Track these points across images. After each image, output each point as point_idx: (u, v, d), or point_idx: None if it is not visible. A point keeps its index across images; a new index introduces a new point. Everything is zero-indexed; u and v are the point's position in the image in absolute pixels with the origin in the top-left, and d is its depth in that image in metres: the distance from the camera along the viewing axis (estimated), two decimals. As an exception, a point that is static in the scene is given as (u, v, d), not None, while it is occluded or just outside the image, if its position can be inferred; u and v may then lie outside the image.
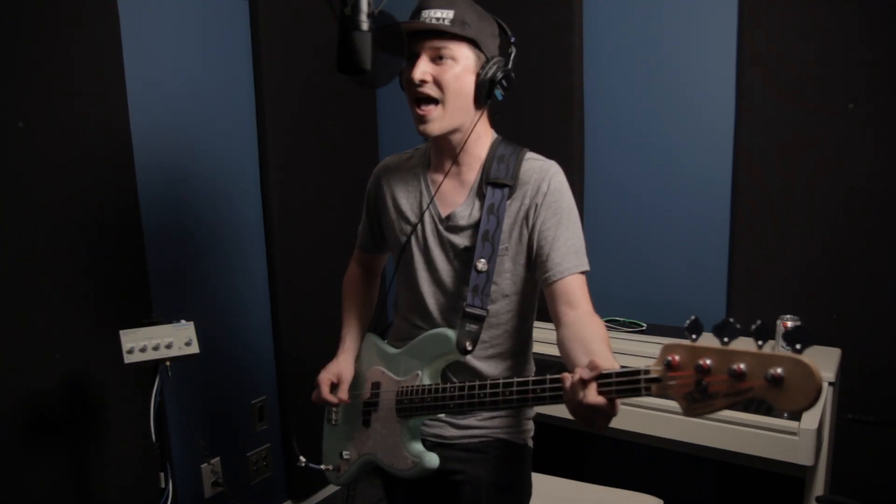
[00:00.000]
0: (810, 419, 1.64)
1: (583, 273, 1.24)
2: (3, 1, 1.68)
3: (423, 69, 1.21)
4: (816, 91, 1.96)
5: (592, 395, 0.94)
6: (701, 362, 0.84)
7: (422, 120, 1.24)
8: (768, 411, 1.72)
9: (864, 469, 1.99)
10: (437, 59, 1.22)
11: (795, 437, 1.63)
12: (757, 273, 2.13)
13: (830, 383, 1.79)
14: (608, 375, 0.95)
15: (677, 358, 0.87)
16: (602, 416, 0.95)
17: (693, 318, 0.86)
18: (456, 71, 1.22)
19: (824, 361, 1.87)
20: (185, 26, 2.18)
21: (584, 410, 0.96)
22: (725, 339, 0.82)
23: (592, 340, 1.11)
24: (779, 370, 0.77)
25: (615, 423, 1.86)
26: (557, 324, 1.21)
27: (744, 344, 0.82)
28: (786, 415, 1.70)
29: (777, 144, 2.04)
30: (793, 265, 2.06)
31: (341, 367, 1.42)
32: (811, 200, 2.01)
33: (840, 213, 1.97)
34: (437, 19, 1.19)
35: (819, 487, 1.79)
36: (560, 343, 1.18)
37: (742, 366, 0.80)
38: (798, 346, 0.76)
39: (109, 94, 1.94)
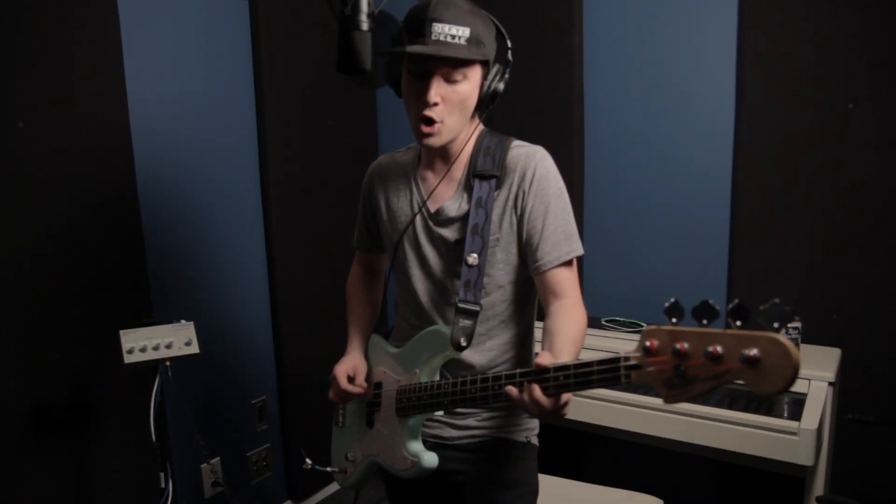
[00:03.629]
0: (810, 419, 1.64)
1: (573, 260, 1.25)
2: (3, 1, 1.68)
3: (436, 91, 1.19)
4: (816, 91, 1.96)
5: (537, 393, 1.01)
6: (678, 346, 0.81)
7: (426, 136, 1.22)
8: (768, 411, 1.72)
9: (864, 469, 1.99)
10: (450, 79, 1.19)
11: (795, 437, 1.63)
12: (757, 273, 2.12)
13: (830, 383, 1.79)
14: (545, 371, 1.00)
15: (656, 342, 0.84)
16: (549, 413, 1.01)
17: (672, 300, 0.82)
18: (467, 90, 1.21)
19: (824, 361, 1.87)
20: (185, 26, 2.18)
21: (532, 408, 1.02)
22: (704, 322, 0.79)
23: (555, 334, 1.15)
24: (754, 351, 0.74)
25: (615, 423, 1.88)
26: (544, 312, 1.25)
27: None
28: (786, 414, 1.70)
29: (777, 144, 2.04)
30: (793, 265, 2.06)
31: (355, 360, 1.42)
32: (811, 200, 2.01)
33: (840, 213, 1.97)
34: (453, 37, 1.16)
35: (819, 487, 1.79)
36: (542, 334, 1.22)
37: (718, 348, 0.77)
38: (776, 325, 0.73)
39: (109, 94, 1.94)
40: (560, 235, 1.24)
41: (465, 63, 1.19)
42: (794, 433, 1.63)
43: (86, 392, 1.93)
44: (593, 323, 2.30)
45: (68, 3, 1.82)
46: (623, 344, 2.14)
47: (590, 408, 1.92)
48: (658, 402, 1.80)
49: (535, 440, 1.39)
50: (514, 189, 1.25)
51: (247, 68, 2.38)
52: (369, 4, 1.22)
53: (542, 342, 1.19)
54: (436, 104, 1.19)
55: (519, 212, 1.25)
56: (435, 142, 1.24)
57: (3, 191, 1.72)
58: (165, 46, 2.12)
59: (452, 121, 1.22)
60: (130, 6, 1.97)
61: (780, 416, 1.68)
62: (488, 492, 1.34)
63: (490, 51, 1.22)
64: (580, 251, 1.26)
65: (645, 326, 2.23)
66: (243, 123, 2.40)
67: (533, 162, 1.25)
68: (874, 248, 1.94)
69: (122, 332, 1.65)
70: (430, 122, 1.21)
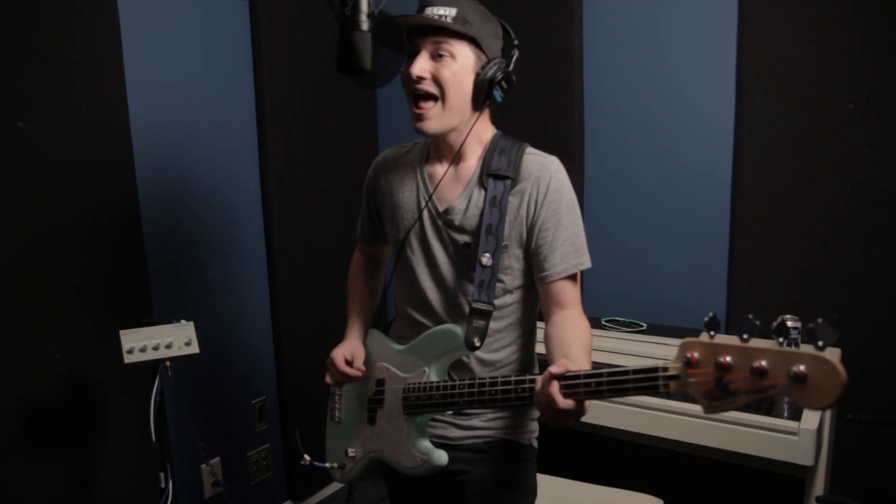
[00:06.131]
0: (810, 419, 1.64)
1: (579, 272, 1.26)
2: (3, 1, 1.68)
3: (421, 65, 1.21)
4: (816, 91, 1.96)
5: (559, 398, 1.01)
6: (721, 359, 0.83)
7: (419, 118, 1.24)
8: (768, 411, 1.72)
9: (864, 469, 1.99)
10: (436, 55, 1.22)
11: (795, 437, 1.62)
12: (757, 273, 2.13)
13: (830, 383, 1.79)
14: (576, 377, 1.00)
15: (696, 355, 0.86)
16: (572, 416, 1.02)
17: (711, 314, 0.85)
18: (454, 68, 1.21)
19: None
20: (185, 26, 2.18)
21: (552, 412, 1.03)
22: (745, 336, 0.82)
23: (571, 344, 1.16)
24: (802, 367, 0.76)
25: (615, 424, 1.88)
26: (546, 319, 1.26)
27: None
28: (786, 414, 1.70)
29: (777, 144, 2.04)
30: (793, 265, 2.06)
31: (353, 345, 1.43)
32: (811, 200, 2.01)
33: (840, 213, 1.97)
34: (440, 16, 1.19)
35: (819, 487, 1.78)
36: (545, 339, 1.23)
37: (764, 363, 0.79)
38: (820, 344, 0.76)
39: (109, 94, 1.94)
40: (569, 248, 1.24)
41: (449, 35, 1.20)
42: (794, 433, 1.63)
43: (86, 392, 1.93)
44: (593, 323, 2.29)
45: (68, 3, 1.82)
46: (624, 344, 2.14)
47: (590, 407, 1.92)
48: (658, 402, 1.81)
49: (535, 443, 1.40)
50: (526, 197, 1.25)
51: (247, 68, 2.38)
52: (369, 4, 1.22)
53: (551, 349, 1.19)
54: (421, 77, 1.21)
55: (530, 221, 1.25)
56: (428, 126, 1.23)
57: (3, 191, 1.72)
58: (165, 46, 2.12)
59: (446, 102, 1.22)
60: (130, 6, 1.97)
61: (780, 416, 1.68)
62: (491, 493, 1.33)
63: (478, 32, 1.22)
64: (588, 264, 1.27)
65: (644, 325, 2.23)
66: (243, 124, 2.40)
67: (547, 173, 1.25)
68: (874, 249, 1.94)
69: (122, 332, 1.65)
70: (420, 98, 1.22)
